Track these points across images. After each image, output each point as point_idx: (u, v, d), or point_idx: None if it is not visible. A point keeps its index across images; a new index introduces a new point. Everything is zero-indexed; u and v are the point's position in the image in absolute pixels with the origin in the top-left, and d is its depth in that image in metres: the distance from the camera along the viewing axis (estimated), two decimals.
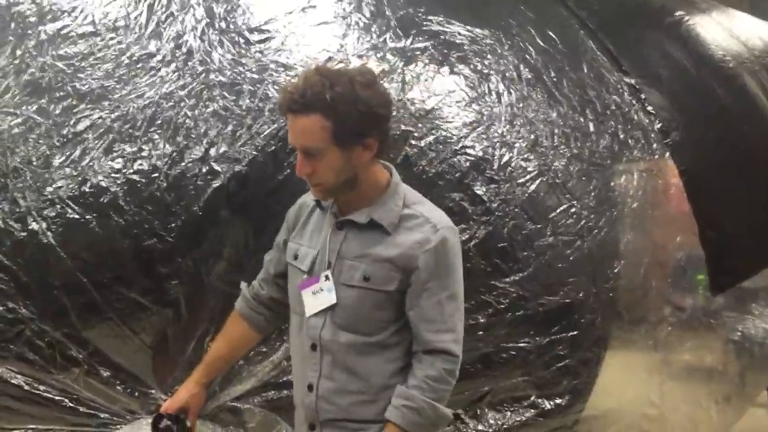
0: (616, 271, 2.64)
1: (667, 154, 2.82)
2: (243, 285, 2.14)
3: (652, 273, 2.69)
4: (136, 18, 2.40)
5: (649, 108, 2.88)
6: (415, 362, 1.82)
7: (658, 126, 2.85)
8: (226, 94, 2.37)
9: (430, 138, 2.51)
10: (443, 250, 1.80)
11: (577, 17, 3.05)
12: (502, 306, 2.47)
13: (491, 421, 2.46)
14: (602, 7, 3.16)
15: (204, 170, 2.26)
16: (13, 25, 2.33)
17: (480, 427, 2.44)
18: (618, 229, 2.67)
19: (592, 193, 2.66)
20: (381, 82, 1.88)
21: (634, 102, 2.88)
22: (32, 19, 2.33)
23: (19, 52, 2.28)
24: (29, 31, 2.32)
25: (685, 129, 2.89)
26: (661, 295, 2.73)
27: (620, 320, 2.63)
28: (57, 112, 2.23)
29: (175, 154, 2.25)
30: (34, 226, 2.13)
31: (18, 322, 2.19)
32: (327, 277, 1.86)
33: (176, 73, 2.36)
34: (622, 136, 2.80)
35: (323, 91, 1.72)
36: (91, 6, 2.38)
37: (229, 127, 2.32)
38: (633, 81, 2.90)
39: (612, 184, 2.72)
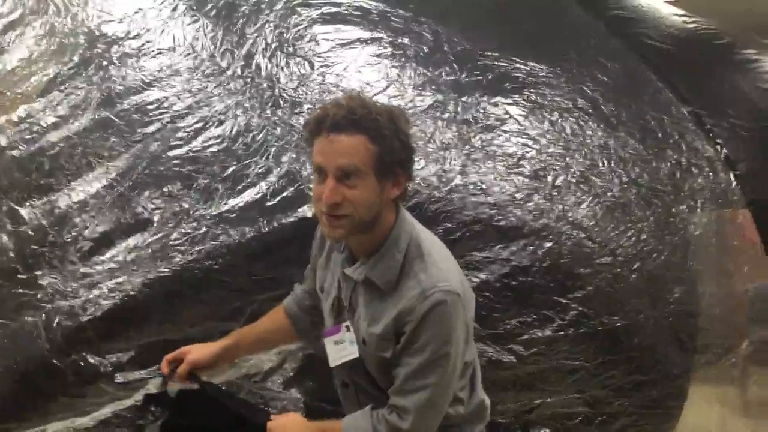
0: (677, 296, 2.55)
1: (734, 184, 2.75)
2: (296, 285, 2.14)
3: (716, 302, 2.57)
4: (212, 37, 2.62)
5: (716, 139, 2.84)
6: (387, 404, 1.76)
7: (725, 156, 2.80)
8: (289, 110, 2.53)
9: (480, 161, 2.57)
10: (429, 319, 1.66)
11: (641, 51, 3.08)
12: (564, 323, 2.44)
13: None
14: (668, 42, 3.17)
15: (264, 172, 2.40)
16: (100, 40, 2.56)
17: None
18: (679, 255, 2.59)
19: (651, 218, 2.62)
20: None
21: (699, 132, 2.85)
22: (119, 35, 2.57)
23: (104, 63, 2.51)
24: (114, 46, 2.55)
25: (753, 160, 2.81)
26: (726, 324, 2.59)
27: (680, 347, 2.50)
28: (132, 114, 2.43)
29: (237, 156, 2.41)
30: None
31: None
32: (348, 328, 1.81)
33: (244, 87, 2.54)
34: (684, 165, 2.77)
35: (372, 113, 1.65)
36: (172, 26, 2.62)
37: (287, 137, 2.46)
38: (698, 112, 2.87)
39: (673, 210, 2.66)
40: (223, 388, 2.09)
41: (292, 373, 2.31)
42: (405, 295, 1.69)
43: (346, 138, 1.64)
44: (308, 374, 2.32)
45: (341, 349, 1.81)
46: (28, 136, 2.34)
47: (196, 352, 1.97)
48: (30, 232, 2.23)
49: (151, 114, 2.42)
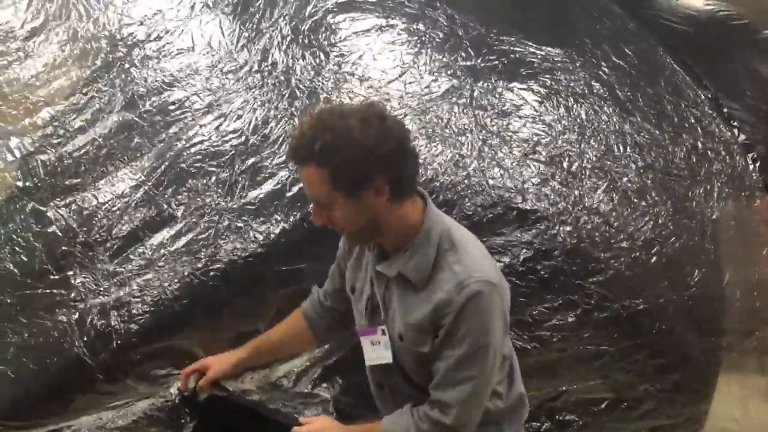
0: (695, 280, 2.57)
1: (751, 168, 2.75)
2: (314, 288, 2.14)
3: (735, 286, 2.58)
4: (229, 34, 2.66)
5: (733, 122, 2.83)
6: (428, 400, 1.77)
7: (742, 139, 2.79)
8: (306, 100, 2.57)
9: (496, 146, 2.60)
10: (467, 310, 1.66)
11: (658, 32, 3.05)
12: (588, 307, 2.47)
13: (564, 420, 2.42)
14: (685, 25, 3.15)
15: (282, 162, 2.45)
16: (122, 43, 2.60)
17: (551, 426, 2.40)
18: (697, 240, 2.60)
19: (669, 202, 2.63)
20: (391, 116, 1.70)
21: (715, 116, 2.85)
22: (140, 37, 2.60)
23: (126, 66, 2.55)
24: (135, 49, 2.59)
25: None
26: (745, 309, 2.60)
27: (700, 331, 2.53)
28: (154, 116, 2.47)
29: (256, 148, 2.45)
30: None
31: None
32: (383, 332, 1.81)
33: (261, 81, 2.58)
34: (701, 149, 2.77)
35: (312, 141, 1.62)
36: (190, 26, 2.65)
37: None
38: (715, 95, 2.86)
39: (690, 194, 2.66)
40: (253, 398, 2.12)
41: (320, 371, 2.35)
42: (441, 287, 1.68)
43: (303, 170, 1.67)
44: (337, 373, 2.35)
45: (376, 350, 1.83)
46: (54, 140, 2.38)
47: (217, 366, 2.00)
48: (59, 233, 2.27)
49: (173, 114, 2.47)
